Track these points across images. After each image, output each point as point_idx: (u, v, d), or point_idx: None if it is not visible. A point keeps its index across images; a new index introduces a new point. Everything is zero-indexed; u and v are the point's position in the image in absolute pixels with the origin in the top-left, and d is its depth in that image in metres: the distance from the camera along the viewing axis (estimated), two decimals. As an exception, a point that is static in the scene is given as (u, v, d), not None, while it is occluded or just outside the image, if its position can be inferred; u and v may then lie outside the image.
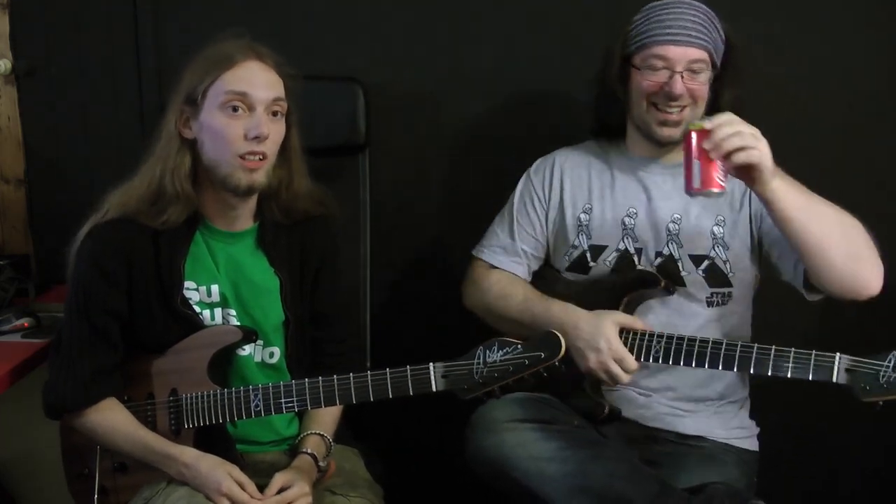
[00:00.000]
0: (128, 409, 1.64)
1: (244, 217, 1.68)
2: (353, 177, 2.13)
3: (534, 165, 1.91)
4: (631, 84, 1.76)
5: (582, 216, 1.83)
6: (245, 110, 1.57)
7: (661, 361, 1.63)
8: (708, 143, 1.50)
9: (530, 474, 1.60)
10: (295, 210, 1.70)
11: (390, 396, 1.53)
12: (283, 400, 1.58)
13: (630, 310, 1.72)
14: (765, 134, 1.52)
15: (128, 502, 1.62)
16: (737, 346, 1.58)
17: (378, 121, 2.14)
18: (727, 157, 1.49)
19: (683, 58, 1.69)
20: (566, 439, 1.63)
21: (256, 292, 1.68)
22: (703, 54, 1.70)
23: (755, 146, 1.50)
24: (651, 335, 1.65)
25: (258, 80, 1.58)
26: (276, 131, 1.60)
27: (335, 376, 1.55)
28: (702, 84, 1.71)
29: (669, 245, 1.77)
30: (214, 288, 1.66)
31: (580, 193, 1.85)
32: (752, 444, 1.82)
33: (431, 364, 1.51)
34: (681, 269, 1.76)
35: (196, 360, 1.62)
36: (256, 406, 1.58)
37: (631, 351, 1.65)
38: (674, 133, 1.72)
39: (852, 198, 2.15)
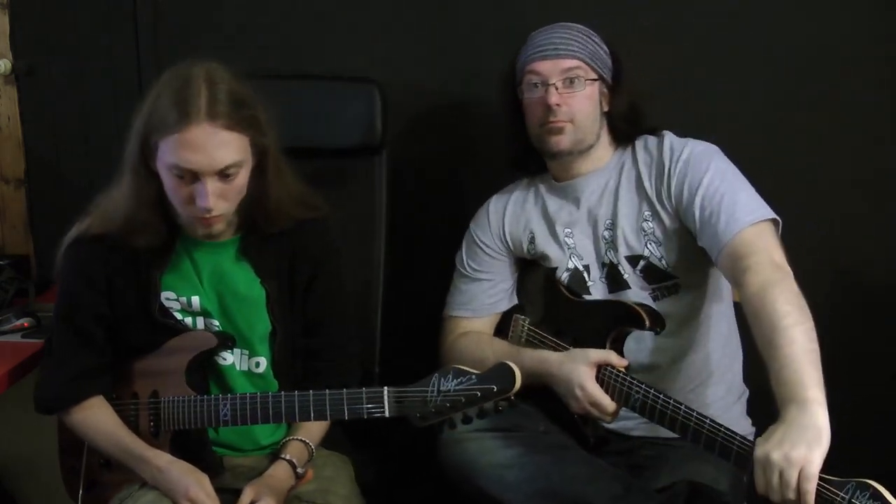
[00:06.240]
0: (114, 406, 1.66)
1: (226, 230, 1.65)
2: (368, 178, 2.12)
3: (472, 219, 1.97)
4: (524, 114, 1.82)
5: (529, 247, 1.88)
6: (191, 178, 1.50)
7: (637, 413, 1.63)
8: None
9: (492, 481, 1.63)
10: (280, 218, 1.66)
11: (346, 418, 1.51)
12: (248, 412, 1.56)
13: (617, 344, 1.73)
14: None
15: (111, 499, 1.63)
16: (705, 421, 1.53)
17: (395, 122, 2.14)
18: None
19: (555, 69, 1.76)
20: (528, 445, 1.65)
21: (241, 303, 1.66)
22: (575, 62, 1.76)
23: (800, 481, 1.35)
24: (630, 379, 1.63)
25: (206, 150, 1.48)
26: (229, 189, 1.54)
27: (296, 392, 1.54)
28: (580, 95, 1.76)
29: (608, 253, 1.80)
30: (195, 300, 1.65)
31: (518, 228, 1.90)
32: (743, 444, 1.81)
33: (386, 388, 1.49)
34: (622, 272, 1.78)
35: (175, 364, 1.62)
36: (225, 415, 1.57)
37: (611, 392, 1.65)
38: (561, 140, 1.77)
39: (852, 198, 2.18)
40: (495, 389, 1.44)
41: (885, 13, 2.10)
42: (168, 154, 1.50)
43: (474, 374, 1.46)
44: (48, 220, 2.39)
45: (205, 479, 1.56)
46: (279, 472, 1.61)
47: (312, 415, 1.53)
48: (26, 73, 2.36)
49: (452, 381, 1.46)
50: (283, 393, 1.56)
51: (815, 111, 2.16)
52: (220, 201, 1.53)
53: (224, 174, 1.52)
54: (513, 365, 1.46)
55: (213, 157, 1.49)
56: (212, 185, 1.51)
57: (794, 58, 2.14)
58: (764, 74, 2.15)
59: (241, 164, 1.54)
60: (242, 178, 1.56)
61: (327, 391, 1.52)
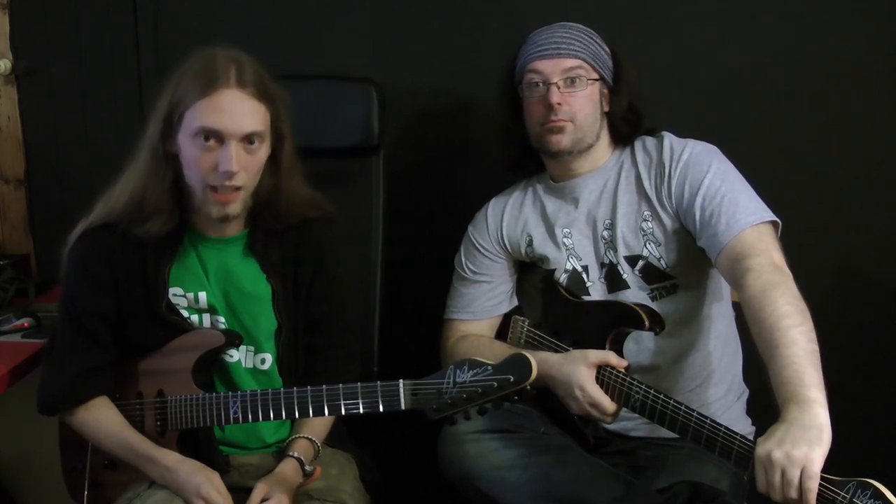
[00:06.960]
0: (118, 406, 1.65)
1: (234, 224, 1.66)
2: (366, 179, 2.11)
3: (471, 222, 1.96)
4: (524, 113, 1.83)
5: (528, 250, 1.88)
6: (217, 143, 1.52)
7: (637, 413, 1.63)
8: None
9: (493, 483, 1.63)
10: (289, 216, 1.67)
11: (361, 412, 1.50)
12: (259, 408, 1.56)
13: (617, 345, 1.73)
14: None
15: (116, 499, 1.62)
16: (705, 421, 1.54)
17: (393, 122, 2.13)
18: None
19: (556, 68, 1.76)
20: (528, 447, 1.65)
21: (247, 299, 1.67)
22: (576, 62, 1.77)
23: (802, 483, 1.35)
24: (630, 380, 1.63)
25: (233, 113, 1.52)
26: (251, 161, 1.56)
27: (308, 388, 1.54)
28: (581, 95, 1.76)
29: (608, 253, 1.80)
30: (202, 295, 1.65)
31: (516, 231, 1.90)
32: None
33: (401, 381, 1.48)
34: (622, 272, 1.79)
35: (181, 363, 1.62)
36: (235, 413, 1.57)
37: (611, 393, 1.65)
38: (561, 139, 1.77)
39: (852, 199, 2.18)
40: (512, 379, 1.43)
41: (884, 14, 2.11)
42: (195, 119, 1.52)
43: (490, 364, 1.45)
44: (48, 220, 2.39)
45: (216, 477, 1.55)
46: (288, 469, 1.62)
47: (326, 410, 1.52)
48: (26, 73, 2.36)
49: (468, 372, 1.45)
50: (295, 389, 1.55)
51: (816, 112, 2.16)
52: (241, 171, 1.54)
53: (249, 141, 1.54)
54: (528, 355, 1.45)
55: (240, 120, 1.52)
56: (236, 150, 1.52)
57: (794, 58, 2.14)
58: (764, 75, 2.15)
59: (263, 137, 1.56)
60: (263, 154, 1.58)
61: (341, 385, 1.52)
